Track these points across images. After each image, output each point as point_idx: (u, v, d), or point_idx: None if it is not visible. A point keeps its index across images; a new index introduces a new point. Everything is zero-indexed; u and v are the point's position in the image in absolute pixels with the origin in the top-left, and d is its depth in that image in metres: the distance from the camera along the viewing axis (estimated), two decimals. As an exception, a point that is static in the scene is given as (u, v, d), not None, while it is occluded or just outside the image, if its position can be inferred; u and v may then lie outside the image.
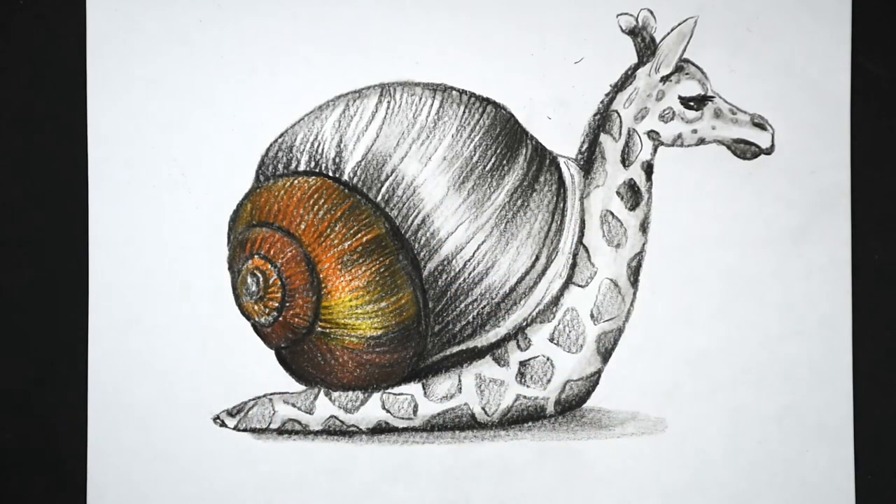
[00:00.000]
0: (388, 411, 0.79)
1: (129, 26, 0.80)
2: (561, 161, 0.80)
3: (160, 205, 0.80)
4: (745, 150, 0.79)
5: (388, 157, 0.76)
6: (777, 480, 0.79)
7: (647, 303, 0.80)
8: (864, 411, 0.79)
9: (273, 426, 0.80)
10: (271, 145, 0.80)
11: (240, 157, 0.80)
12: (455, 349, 0.79)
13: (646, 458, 0.79)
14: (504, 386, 0.79)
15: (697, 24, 0.79)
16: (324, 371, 0.78)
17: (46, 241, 0.81)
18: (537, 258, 0.78)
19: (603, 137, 0.80)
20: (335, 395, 0.79)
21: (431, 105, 0.78)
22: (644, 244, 0.80)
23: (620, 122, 0.80)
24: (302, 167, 0.78)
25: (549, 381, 0.79)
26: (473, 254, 0.76)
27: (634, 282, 0.80)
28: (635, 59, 0.80)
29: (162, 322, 0.80)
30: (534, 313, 0.79)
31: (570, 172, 0.80)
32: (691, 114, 0.79)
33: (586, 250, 0.79)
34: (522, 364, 0.79)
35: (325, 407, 0.79)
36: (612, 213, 0.79)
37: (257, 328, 0.79)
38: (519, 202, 0.77)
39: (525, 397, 0.79)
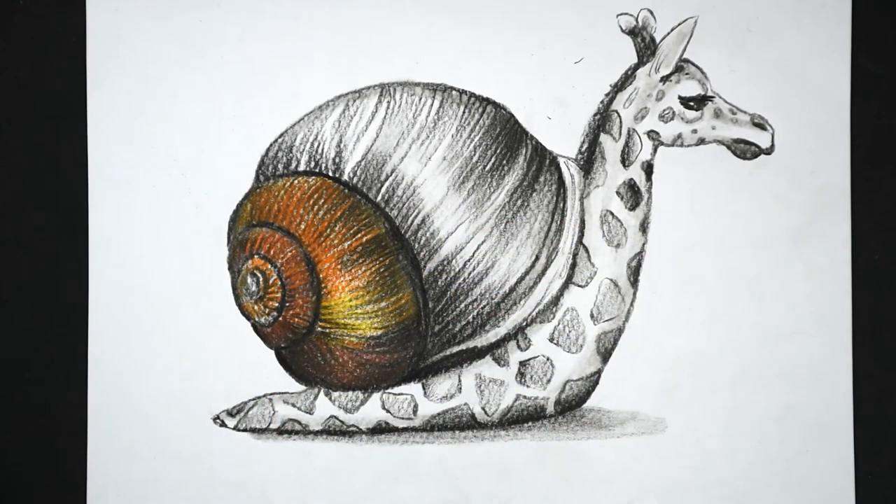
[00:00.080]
0: (388, 411, 0.79)
1: (129, 26, 0.80)
2: (561, 161, 0.80)
3: (160, 205, 0.80)
4: (745, 150, 0.79)
5: (388, 157, 0.76)
6: (777, 480, 0.79)
7: (647, 303, 0.80)
8: (864, 411, 0.79)
9: (273, 426, 0.80)
10: (271, 145, 0.80)
11: (240, 157, 0.80)
12: (455, 349, 0.79)
13: (646, 458, 0.79)
14: (504, 386, 0.79)
15: (697, 24, 0.79)
16: (324, 371, 0.78)
17: (46, 241, 0.81)
18: (537, 258, 0.78)
19: (603, 137, 0.80)
20: (335, 395, 0.79)
21: (431, 105, 0.78)
22: (644, 244, 0.80)
23: (620, 122, 0.80)
24: (302, 167, 0.78)
25: (549, 381, 0.79)
26: (473, 254, 0.76)
27: (634, 282, 0.80)
28: (635, 59, 0.80)
29: (162, 322, 0.80)
30: (534, 313, 0.79)
31: (570, 172, 0.80)
32: (691, 114, 0.79)
33: (586, 250, 0.79)
34: (522, 364, 0.79)
35: (325, 407, 0.79)
36: (612, 213, 0.79)
37: (257, 328, 0.79)
38: (519, 202, 0.77)
39: (525, 397, 0.79)
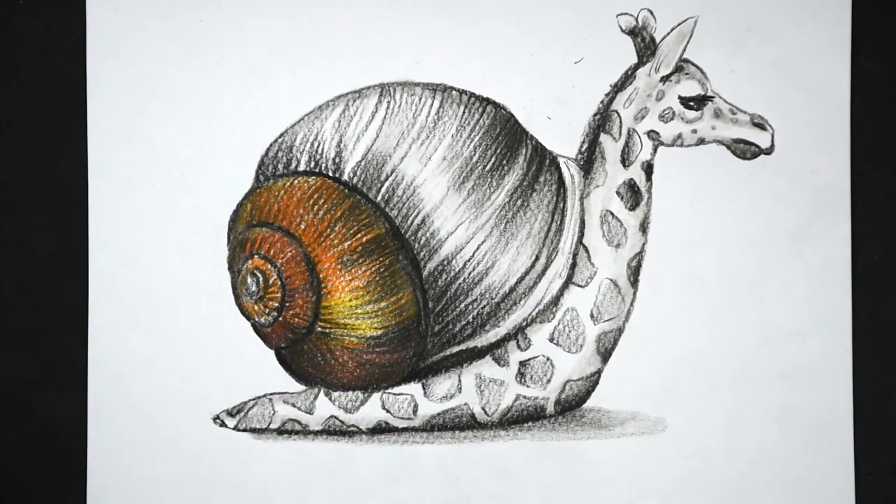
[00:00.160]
0: (388, 411, 0.79)
1: (129, 26, 0.80)
2: (561, 161, 0.80)
3: (160, 205, 0.80)
4: (745, 150, 0.79)
5: (388, 157, 0.76)
6: (777, 480, 0.79)
7: (647, 303, 0.80)
8: (864, 411, 0.79)
9: (273, 426, 0.80)
10: (271, 145, 0.80)
11: (240, 157, 0.80)
12: (455, 349, 0.79)
13: (646, 458, 0.79)
14: (504, 386, 0.79)
15: (697, 24, 0.79)
16: (324, 371, 0.78)
17: (46, 241, 0.81)
18: (537, 258, 0.78)
19: (603, 137, 0.80)
20: (335, 395, 0.79)
21: (431, 105, 0.78)
22: (644, 244, 0.80)
23: (620, 122, 0.80)
24: (302, 167, 0.78)
25: (548, 381, 0.79)
26: (473, 254, 0.76)
27: (634, 282, 0.80)
28: (635, 59, 0.80)
29: (162, 322, 0.80)
30: (534, 313, 0.79)
31: (570, 172, 0.80)
32: (691, 114, 0.79)
33: (586, 250, 0.79)
34: (522, 364, 0.79)
35: (325, 407, 0.79)
36: (612, 213, 0.79)
37: (257, 328, 0.79)
38: (519, 202, 0.77)
39: (525, 397, 0.79)
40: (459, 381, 0.79)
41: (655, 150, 0.80)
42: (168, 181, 0.80)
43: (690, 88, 0.79)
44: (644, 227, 0.80)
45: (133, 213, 0.80)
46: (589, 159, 0.80)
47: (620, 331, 0.80)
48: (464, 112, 0.78)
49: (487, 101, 0.79)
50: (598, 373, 0.80)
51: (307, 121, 0.79)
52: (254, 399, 0.80)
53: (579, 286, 0.79)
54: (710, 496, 0.79)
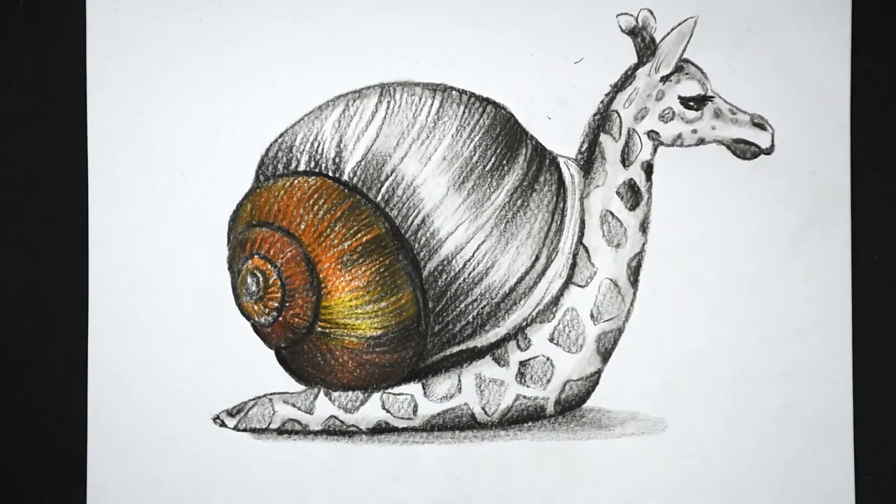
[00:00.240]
0: (388, 411, 0.79)
1: (129, 26, 0.80)
2: (561, 161, 0.80)
3: (160, 205, 0.80)
4: (745, 150, 0.79)
5: (387, 157, 0.76)
6: (777, 480, 0.79)
7: (647, 303, 0.80)
8: (864, 411, 0.79)
9: (273, 426, 0.80)
10: (271, 145, 0.80)
11: (240, 157, 0.80)
12: (455, 349, 0.79)
13: (646, 458, 0.79)
14: (504, 386, 0.79)
15: (697, 24, 0.79)
16: (324, 371, 0.78)
17: (46, 241, 0.81)
18: (537, 258, 0.78)
19: (603, 137, 0.80)
20: (335, 395, 0.79)
21: (431, 105, 0.78)
22: (644, 244, 0.80)
23: (620, 122, 0.80)
24: (302, 167, 0.78)
25: (548, 381, 0.79)
26: (473, 254, 0.76)
27: (634, 282, 0.80)
28: (635, 59, 0.80)
29: (162, 322, 0.80)
30: (534, 313, 0.79)
31: (570, 172, 0.80)
32: (691, 114, 0.79)
33: (586, 250, 0.79)
34: (522, 364, 0.79)
35: (325, 407, 0.79)
36: (612, 213, 0.79)
37: (257, 328, 0.79)
38: (519, 202, 0.77)
39: (525, 397, 0.79)
40: (459, 381, 0.79)
41: (655, 150, 0.80)
42: (168, 181, 0.80)
43: (690, 88, 0.79)
44: (644, 227, 0.80)
45: (133, 213, 0.80)
46: (589, 159, 0.80)
47: (620, 331, 0.80)
48: (464, 112, 0.78)
49: (487, 101, 0.79)
50: (598, 373, 0.80)
51: (307, 121, 0.79)
52: (254, 399, 0.80)
53: (579, 286, 0.79)
54: (710, 496, 0.79)
